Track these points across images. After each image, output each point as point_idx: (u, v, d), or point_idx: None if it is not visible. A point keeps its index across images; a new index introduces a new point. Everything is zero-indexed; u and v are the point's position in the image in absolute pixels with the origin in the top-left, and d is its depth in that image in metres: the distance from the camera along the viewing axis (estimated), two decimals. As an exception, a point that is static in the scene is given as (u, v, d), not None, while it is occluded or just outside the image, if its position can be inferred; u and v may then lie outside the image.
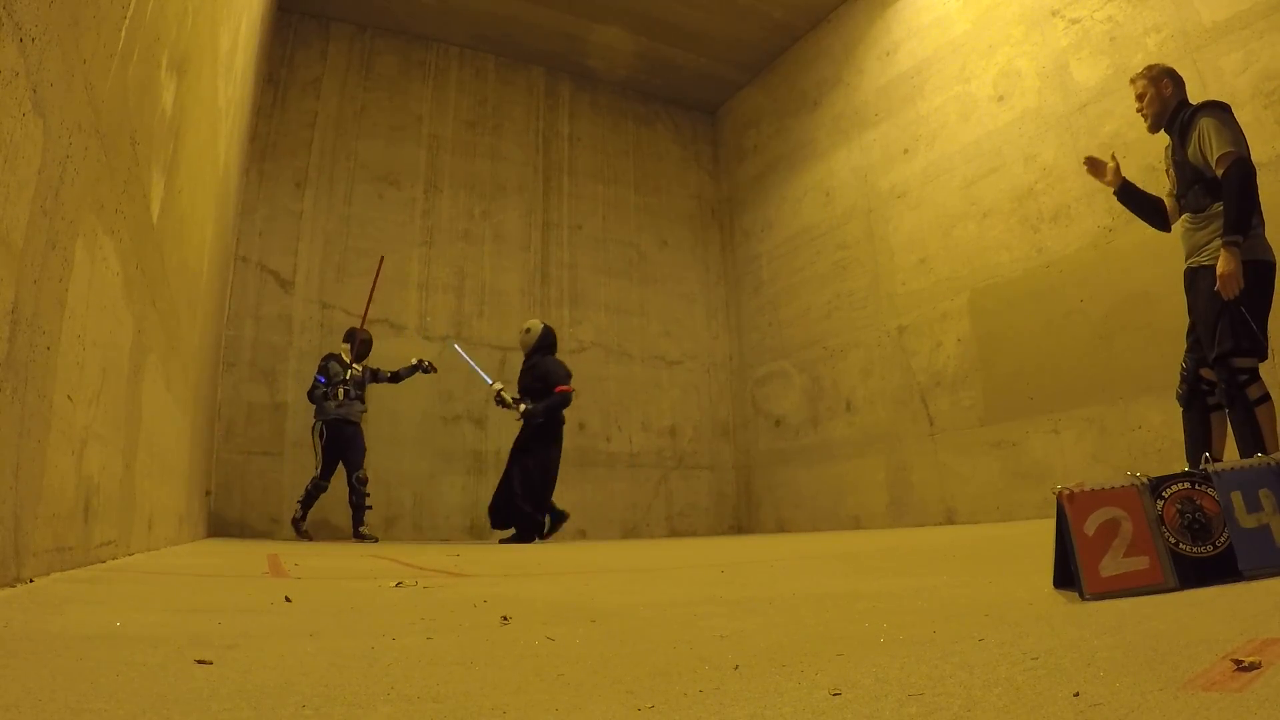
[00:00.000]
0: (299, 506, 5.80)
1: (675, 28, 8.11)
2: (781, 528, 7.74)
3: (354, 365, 5.96)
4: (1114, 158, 3.50)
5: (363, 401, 6.03)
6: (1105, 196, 5.23)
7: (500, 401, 6.00)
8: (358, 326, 6.14)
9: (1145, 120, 3.37)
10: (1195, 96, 4.42)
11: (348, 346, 6.02)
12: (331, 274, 7.06)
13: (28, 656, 0.80)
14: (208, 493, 5.55)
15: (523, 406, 5.86)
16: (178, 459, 3.57)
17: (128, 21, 1.67)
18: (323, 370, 5.88)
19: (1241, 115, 4.38)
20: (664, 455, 8.25)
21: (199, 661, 0.81)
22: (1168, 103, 3.26)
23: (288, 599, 1.49)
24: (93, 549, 1.91)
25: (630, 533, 7.79)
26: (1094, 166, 3.51)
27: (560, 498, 7.64)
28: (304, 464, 6.64)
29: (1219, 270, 2.94)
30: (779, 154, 8.48)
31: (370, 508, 5.85)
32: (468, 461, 7.22)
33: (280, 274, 6.87)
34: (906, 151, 6.84)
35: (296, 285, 6.91)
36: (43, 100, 1.20)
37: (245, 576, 2.14)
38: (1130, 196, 3.46)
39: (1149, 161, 4.94)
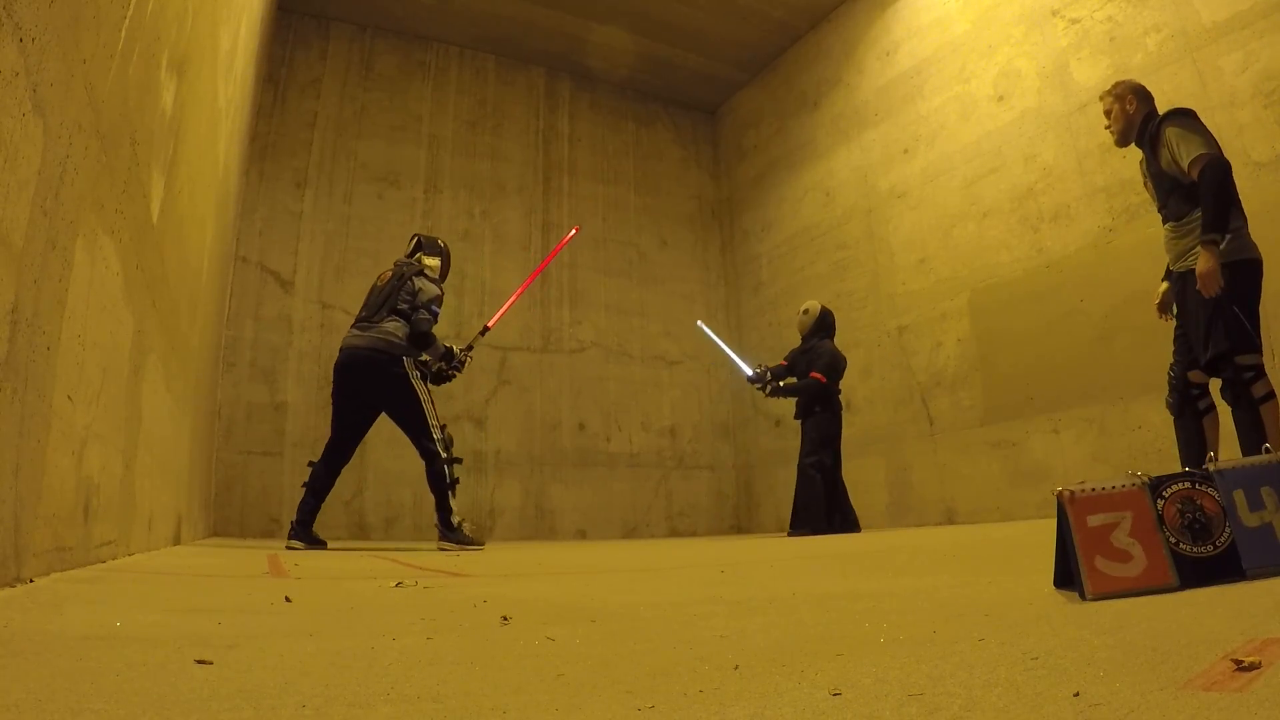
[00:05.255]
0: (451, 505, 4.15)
1: (675, 28, 8.11)
2: (782, 528, 7.73)
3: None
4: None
5: None
6: (1105, 196, 5.24)
7: (755, 379, 5.82)
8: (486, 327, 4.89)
9: (1113, 136, 3.41)
10: (1195, 97, 4.43)
11: (437, 263, 4.59)
12: (331, 274, 7.07)
13: (28, 656, 0.80)
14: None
15: (767, 384, 5.68)
16: (178, 459, 3.57)
17: (128, 21, 1.67)
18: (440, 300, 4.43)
19: (1241, 115, 4.41)
20: (664, 455, 8.25)
21: (199, 661, 0.81)
22: (1132, 119, 3.30)
23: (288, 599, 1.49)
24: (93, 549, 1.91)
25: (630, 533, 7.79)
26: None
27: (561, 498, 7.66)
28: (304, 464, 6.63)
29: (1198, 269, 2.95)
30: (779, 154, 8.48)
31: None
32: (468, 461, 7.19)
33: (280, 274, 6.87)
34: (906, 151, 6.84)
35: (296, 285, 6.91)
36: (43, 100, 1.20)
37: (245, 576, 2.14)
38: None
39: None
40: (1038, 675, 0.70)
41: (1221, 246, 2.95)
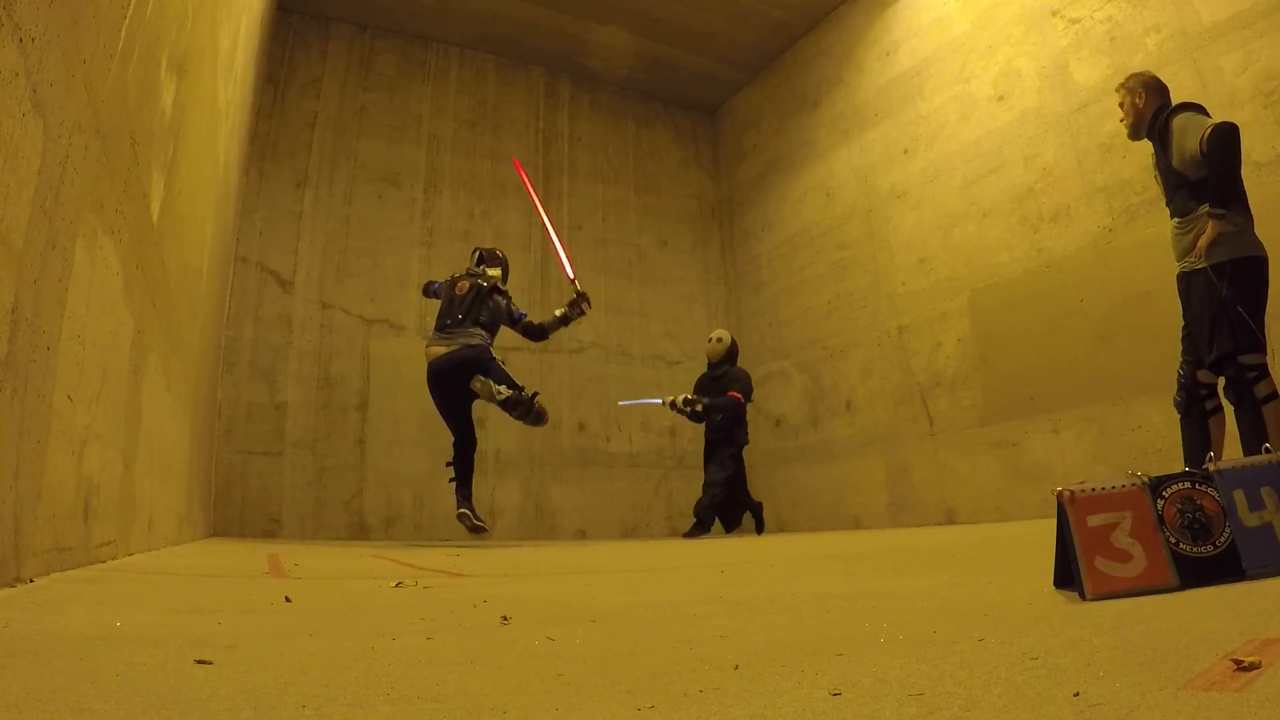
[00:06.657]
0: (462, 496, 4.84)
1: (675, 28, 8.11)
2: (781, 528, 7.73)
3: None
4: None
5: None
6: (1105, 196, 5.23)
7: (676, 408, 6.33)
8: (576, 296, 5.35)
9: (1126, 129, 3.45)
10: (1195, 97, 4.42)
11: (499, 272, 5.29)
12: (331, 274, 7.06)
13: (28, 656, 0.80)
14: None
15: (697, 404, 6.25)
16: (178, 459, 3.57)
17: (128, 21, 1.67)
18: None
19: (1241, 115, 4.40)
20: (664, 455, 8.24)
21: (199, 661, 0.81)
22: (1143, 113, 3.32)
23: (288, 599, 1.49)
24: (93, 549, 1.91)
25: (630, 533, 7.79)
26: None
27: (561, 498, 7.66)
28: (304, 464, 6.65)
29: (1201, 239, 2.99)
30: (779, 154, 8.47)
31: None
32: (468, 461, 7.20)
33: (280, 274, 6.87)
34: (906, 151, 6.84)
35: (296, 285, 6.90)
36: (43, 100, 1.21)
37: (245, 576, 2.14)
38: None
39: (1148, 161, 4.93)
40: (1038, 675, 0.70)
41: (1225, 227, 2.96)
